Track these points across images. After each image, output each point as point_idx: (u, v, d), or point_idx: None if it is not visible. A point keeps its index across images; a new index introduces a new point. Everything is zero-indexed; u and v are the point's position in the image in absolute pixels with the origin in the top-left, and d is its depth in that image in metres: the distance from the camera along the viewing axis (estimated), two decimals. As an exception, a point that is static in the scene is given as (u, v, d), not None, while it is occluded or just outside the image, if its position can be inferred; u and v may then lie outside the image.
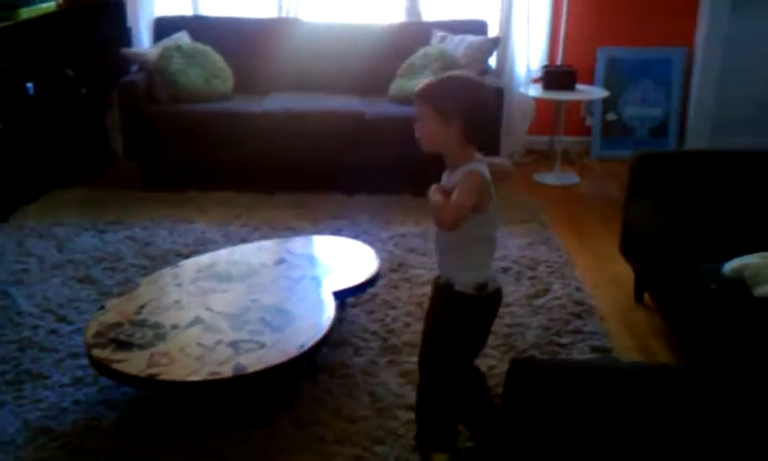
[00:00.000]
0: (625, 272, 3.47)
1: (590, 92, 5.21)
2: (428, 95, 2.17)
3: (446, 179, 2.22)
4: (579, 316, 3.26)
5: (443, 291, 2.26)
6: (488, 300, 2.26)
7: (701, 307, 2.61)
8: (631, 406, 1.81)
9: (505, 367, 2.83)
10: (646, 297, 3.37)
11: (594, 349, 3.01)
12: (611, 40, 5.44)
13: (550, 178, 5.12)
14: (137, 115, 4.68)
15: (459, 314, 2.24)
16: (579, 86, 5.12)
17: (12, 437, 2.48)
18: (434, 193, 2.14)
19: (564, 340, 3.07)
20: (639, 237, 3.23)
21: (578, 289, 3.50)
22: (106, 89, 5.11)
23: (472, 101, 2.17)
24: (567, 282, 3.56)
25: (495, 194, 2.20)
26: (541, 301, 3.40)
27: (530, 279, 3.60)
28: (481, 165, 2.17)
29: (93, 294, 3.43)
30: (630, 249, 3.35)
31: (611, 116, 5.56)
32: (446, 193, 2.12)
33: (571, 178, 5.14)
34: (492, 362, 2.88)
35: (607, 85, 5.36)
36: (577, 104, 5.44)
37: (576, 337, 3.09)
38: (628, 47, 5.46)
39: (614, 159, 5.30)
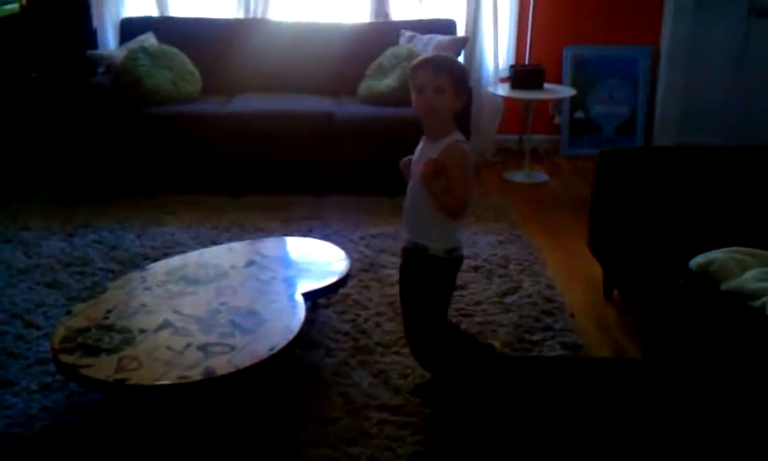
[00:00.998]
0: (595, 269, 3.50)
1: (558, 91, 5.26)
2: (449, 68, 2.36)
3: (425, 148, 2.41)
4: (550, 313, 3.28)
5: (415, 255, 2.46)
6: (456, 262, 2.50)
7: (668, 303, 2.64)
8: (595, 401, 1.83)
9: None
10: (616, 293, 3.40)
11: (565, 346, 3.03)
12: (577, 39, 5.49)
13: (520, 176, 5.15)
14: (104, 118, 4.63)
15: (434, 275, 2.46)
16: (547, 85, 5.16)
17: (-23, 446, 2.45)
18: (429, 177, 2.29)
19: (535, 337, 3.09)
20: (606, 234, 3.27)
21: (549, 287, 3.52)
22: (74, 92, 5.04)
23: (464, 78, 2.39)
24: (538, 280, 3.58)
25: None
26: (512, 298, 3.41)
27: (501, 276, 3.62)
28: (461, 136, 2.37)
29: (61, 299, 3.39)
30: (598, 246, 3.38)
31: (579, 114, 5.61)
32: (435, 164, 2.28)
33: (541, 176, 5.17)
34: (464, 360, 2.88)
35: (574, 84, 5.40)
36: (545, 102, 5.48)
37: (547, 334, 3.11)
38: (594, 46, 5.51)
39: (583, 157, 5.35)
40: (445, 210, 2.35)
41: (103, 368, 2.38)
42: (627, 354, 3.02)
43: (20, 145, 4.75)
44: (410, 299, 2.56)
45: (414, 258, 2.48)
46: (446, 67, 2.36)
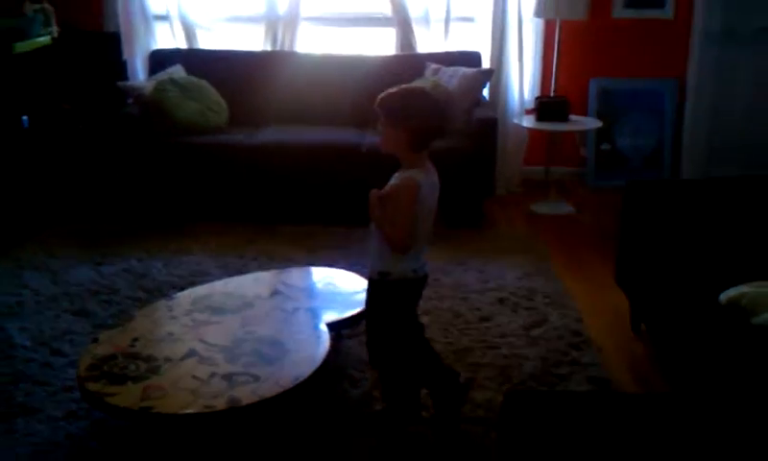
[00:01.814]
0: (622, 302, 3.46)
1: (584, 123, 5.24)
2: (381, 102, 2.45)
3: (393, 178, 2.48)
4: (576, 347, 3.24)
5: (380, 284, 2.51)
6: (421, 280, 2.54)
7: (698, 337, 2.60)
8: (624, 436, 1.80)
9: (500, 398, 2.82)
10: (643, 327, 3.36)
11: (592, 380, 2.99)
12: (603, 72, 5.49)
13: (546, 208, 5.13)
14: (133, 148, 4.69)
15: (400, 297, 2.53)
16: (572, 117, 5.15)
17: (3, 472, 2.46)
18: (374, 207, 2.42)
19: (561, 371, 3.05)
20: (633, 267, 3.23)
21: (575, 320, 3.49)
22: (104, 123, 5.11)
23: (417, 112, 2.40)
24: (565, 313, 3.55)
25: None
26: (538, 331, 3.38)
27: (527, 309, 3.59)
28: (416, 172, 2.42)
29: (88, 327, 3.41)
30: (625, 279, 3.35)
31: (605, 146, 5.59)
32: (377, 194, 2.42)
33: (567, 207, 5.15)
34: (489, 394, 2.86)
35: (600, 116, 5.39)
36: (571, 134, 5.47)
37: (573, 368, 3.07)
38: (620, 79, 5.50)
39: (610, 189, 5.31)
40: (388, 241, 2.41)
41: (128, 396, 2.39)
42: (654, 389, 2.98)
43: (51, 175, 4.82)
44: (380, 326, 2.57)
45: (379, 287, 2.53)
46: (381, 102, 2.45)
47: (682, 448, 1.75)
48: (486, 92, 5.25)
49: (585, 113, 5.43)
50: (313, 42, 5.49)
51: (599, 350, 3.24)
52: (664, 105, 5.53)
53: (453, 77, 4.94)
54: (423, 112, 2.42)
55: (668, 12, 5.39)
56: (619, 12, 5.40)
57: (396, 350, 2.57)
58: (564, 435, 1.88)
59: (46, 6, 5.09)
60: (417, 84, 4.95)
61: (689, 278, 2.84)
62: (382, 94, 2.47)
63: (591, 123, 5.24)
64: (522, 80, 5.40)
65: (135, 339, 2.73)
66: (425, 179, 2.44)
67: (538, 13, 5.22)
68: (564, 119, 5.11)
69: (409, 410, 2.66)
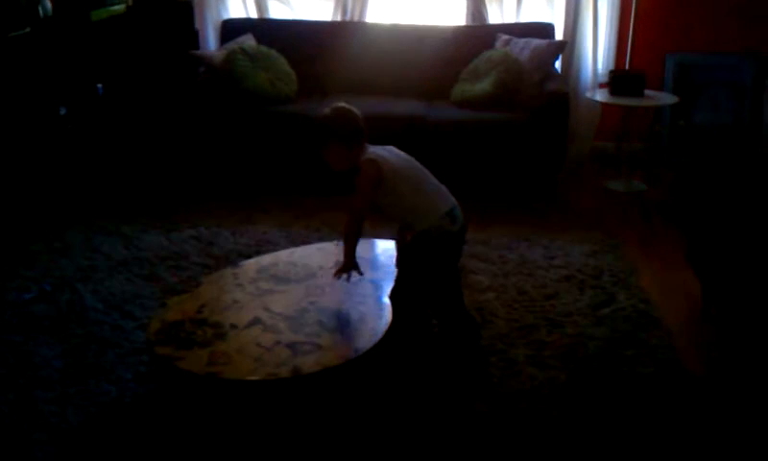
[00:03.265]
0: (693, 283, 3.36)
1: (660, 98, 5.09)
2: (312, 141, 2.85)
3: None
4: (644, 328, 3.17)
5: (422, 236, 2.71)
6: (436, 239, 2.70)
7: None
8: (691, 421, 1.76)
9: (564, 377, 2.79)
10: (714, 310, 3.26)
11: (659, 363, 2.91)
12: (681, 46, 5.30)
13: (617, 184, 5.01)
14: (203, 117, 4.75)
15: (415, 248, 2.74)
16: (648, 92, 5.01)
17: (75, 429, 2.54)
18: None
19: (627, 352, 2.99)
20: (705, 248, 3.13)
21: (643, 300, 3.40)
22: (175, 90, 5.18)
23: (334, 128, 2.80)
24: (632, 293, 3.47)
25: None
26: (605, 311, 3.32)
27: (593, 288, 3.53)
28: (372, 153, 2.78)
29: (157, 291, 3.49)
30: (696, 260, 3.25)
31: (681, 122, 5.42)
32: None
33: (639, 185, 5.02)
34: (552, 373, 2.82)
35: (676, 91, 5.22)
36: (645, 110, 5.32)
37: (640, 350, 3.00)
38: (699, 53, 5.31)
39: (684, 166, 5.16)
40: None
41: (195, 361, 2.44)
42: (723, 374, 2.89)
43: (123, 142, 4.93)
44: (406, 271, 2.81)
45: (409, 241, 2.80)
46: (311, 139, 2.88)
47: (750, 433, 1.70)
48: (558, 65, 5.14)
49: (660, 88, 5.27)
50: (383, 13, 5.46)
51: (667, 332, 3.16)
52: (744, 80, 5.32)
53: (524, 49, 4.86)
54: (339, 121, 2.81)
55: (750, -16, 5.17)
56: (700, -17, 5.21)
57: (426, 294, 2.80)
58: (629, 417, 1.85)
59: (121, -27, 5.19)
60: (487, 54, 4.88)
61: (765, 260, 2.74)
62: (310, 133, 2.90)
63: (667, 98, 5.08)
64: (596, 53, 5.27)
65: (203, 305, 2.78)
66: (372, 155, 2.77)
67: (614, -16, 5.07)
68: (640, 94, 4.96)
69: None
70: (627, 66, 5.28)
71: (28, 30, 4.11)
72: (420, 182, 2.78)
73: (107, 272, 3.70)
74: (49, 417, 2.60)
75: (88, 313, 3.29)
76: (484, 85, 4.76)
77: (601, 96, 5.09)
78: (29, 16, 4.19)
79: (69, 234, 4.12)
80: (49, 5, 4.47)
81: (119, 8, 4.93)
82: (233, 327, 2.63)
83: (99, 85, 4.66)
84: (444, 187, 2.82)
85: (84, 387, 2.76)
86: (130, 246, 3.98)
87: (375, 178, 2.72)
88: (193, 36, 5.30)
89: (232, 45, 5.04)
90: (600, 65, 5.33)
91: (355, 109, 2.89)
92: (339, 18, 5.44)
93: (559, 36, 5.18)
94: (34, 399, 2.70)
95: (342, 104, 2.91)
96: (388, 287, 2.92)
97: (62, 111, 4.31)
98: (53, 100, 4.24)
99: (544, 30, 5.10)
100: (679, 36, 5.29)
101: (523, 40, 4.92)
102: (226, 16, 5.48)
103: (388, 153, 2.82)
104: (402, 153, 2.87)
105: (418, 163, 2.85)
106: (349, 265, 2.82)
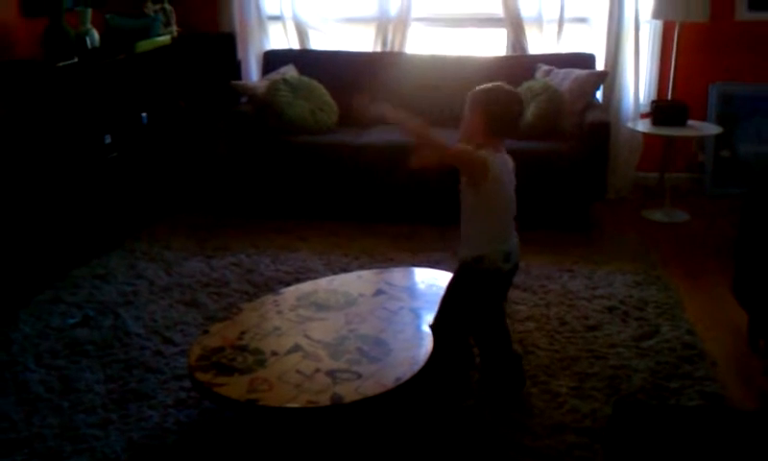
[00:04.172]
0: (739, 316, 3.29)
1: (703, 128, 5.02)
2: (470, 95, 2.72)
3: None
4: (689, 360, 3.10)
5: (472, 270, 2.67)
6: (483, 273, 2.65)
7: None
8: (737, 455, 1.71)
9: (608, 410, 2.74)
10: (763, 343, 3.18)
11: (705, 395, 2.85)
12: (724, 76, 5.24)
13: (659, 215, 4.95)
14: (245, 145, 4.81)
15: (490, 286, 2.69)
16: (690, 122, 4.95)
17: (117, 454, 2.55)
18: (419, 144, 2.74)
19: (672, 385, 2.93)
20: (753, 279, 3.07)
21: (688, 332, 3.34)
22: (217, 120, 5.26)
23: (496, 100, 2.64)
24: (677, 325, 3.41)
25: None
26: (649, 343, 3.26)
27: (637, 319, 3.47)
28: (486, 152, 2.58)
29: (199, 317, 3.52)
30: (743, 291, 3.18)
31: (724, 153, 5.35)
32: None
33: (682, 215, 4.95)
34: (595, 405, 2.78)
35: (720, 122, 5.15)
36: (688, 140, 5.26)
37: (685, 382, 2.94)
38: (742, 84, 5.25)
39: (728, 198, 5.08)
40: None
41: (236, 387, 2.45)
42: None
43: (167, 170, 5.00)
44: (458, 305, 2.73)
45: (470, 270, 2.69)
46: (470, 94, 2.74)
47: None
48: (599, 95, 5.11)
49: (703, 118, 5.21)
50: (423, 43, 5.49)
51: (713, 364, 3.09)
52: (790, 110, 5.24)
53: (565, 79, 4.84)
54: (501, 101, 2.64)
55: (796, 14, 5.11)
56: (743, 13, 5.15)
57: (468, 332, 2.79)
58: (674, 451, 1.80)
59: (167, 6, 5.30)
60: (527, 84, 4.88)
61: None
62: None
63: (711, 128, 5.01)
64: (638, 83, 5.23)
65: (243, 332, 2.79)
66: (496, 158, 2.61)
67: (656, 15, 5.03)
68: (682, 124, 4.91)
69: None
70: (669, 96, 5.23)
71: (76, 60, 4.22)
72: (505, 211, 2.70)
73: (149, 297, 3.74)
74: (91, 441, 2.62)
75: (131, 338, 3.33)
76: (525, 116, 4.75)
77: (643, 126, 5.04)
78: (77, 47, 4.30)
79: (112, 260, 4.18)
80: (96, 36, 4.58)
81: (164, 39, 5.03)
82: (274, 353, 2.64)
83: (143, 115, 4.74)
84: (513, 225, 2.75)
85: (125, 412, 2.79)
86: (171, 272, 4.03)
87: (480, 164, 2.56)
88: (236, 67, 5.39)
89: (274, 76, 5.11)
90: (642, 95, 5.29)
91: (521, 107, 2.86)
92: (379, 49, 5.48)
93: (599, 66, 5.15)
94: (76, 423, 2.72)
95: (518, 92, 2.80)
96: (428, 316, 2.91)
97: (107, 140, 4.39)
98: (98, 128, 4.33)
99: (585, 60, 5.07)
100: (722, 67, 5.23)
101: (564, 70, 4.90)
102: (268, 48, 5.55)
103: (504, 165, 2.68)
104: (512, 175, 2.74)
105: (513, 193, 2.73)
106: (424, 132, 2.72)
